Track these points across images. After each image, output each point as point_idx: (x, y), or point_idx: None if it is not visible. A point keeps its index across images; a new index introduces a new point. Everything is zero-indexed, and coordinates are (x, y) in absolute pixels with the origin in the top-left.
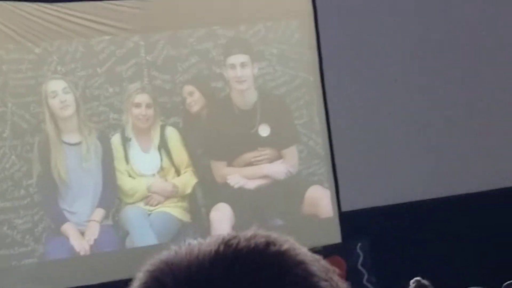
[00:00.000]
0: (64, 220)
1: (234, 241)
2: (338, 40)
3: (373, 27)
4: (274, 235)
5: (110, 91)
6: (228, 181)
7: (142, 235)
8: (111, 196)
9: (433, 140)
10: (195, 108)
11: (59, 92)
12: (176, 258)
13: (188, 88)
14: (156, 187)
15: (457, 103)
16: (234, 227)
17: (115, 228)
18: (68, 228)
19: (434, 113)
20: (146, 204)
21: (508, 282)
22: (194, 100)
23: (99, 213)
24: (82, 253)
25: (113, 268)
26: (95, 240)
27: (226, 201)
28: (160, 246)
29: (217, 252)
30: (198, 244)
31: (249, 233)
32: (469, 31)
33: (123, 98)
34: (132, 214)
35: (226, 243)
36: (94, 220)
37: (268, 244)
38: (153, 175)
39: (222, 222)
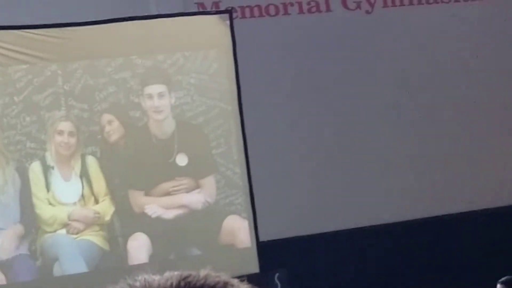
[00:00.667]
0: None
1: (193, 279)
2: (256, 70)
3: (291, 57)
4: (224, 276)
5: (27, 120)
6: (146, 211)
7: (72, 262)
8: (28, 226)
9: (348, 170)
10: (113, 137)
11: None
12: None
13: (107, 117)
14: (76, 215)
15: (368, 139)
16: (151, 257)
17: (31, 257)
18: None
19: (345, 144)
20: (67, 233)
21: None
22: (113, 129)
23: (15, 242)
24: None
25: None
26: (11, 270)
27: (144, 230)
28: (88, 274)
29: (177, 287)
30: (157, 279)
31: (202, 272)
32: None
33: (42, 126)
34: (58, 241)
35: (185, 279)
36: (8, 249)
37: (226, 283)
38: (74, 203)
39: (139, 251)
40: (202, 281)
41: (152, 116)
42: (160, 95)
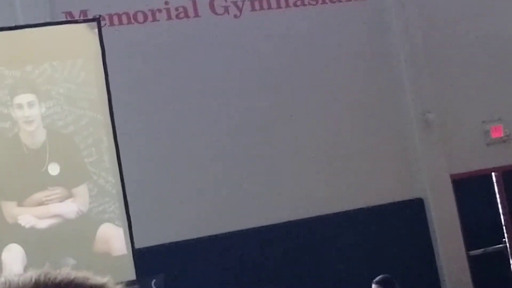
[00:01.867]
0: None
1: (52, 274)
2: (127, 77)
3: (161, 63)
4: (96, 277)
5: None
6: (19, 221)
7: None
8: None
9: (221, 175)
10: None
11: None
12: None
13: None
14: None
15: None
16: (26, 268)
17: None
18: None
19: (218, 153)
20: None
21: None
22: None
23: None
24: None
25: None
26: None
27: (18, 241)
28: None
29: (37, 281)
30: (17, 277)
31: (62, 271)
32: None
33: None
34: None
35: (46, 275)
36: None
37: (86, 278)
38: None
39: (14, 263)
40: (62, 276)
41: (23, 127)
42: (30, 104)
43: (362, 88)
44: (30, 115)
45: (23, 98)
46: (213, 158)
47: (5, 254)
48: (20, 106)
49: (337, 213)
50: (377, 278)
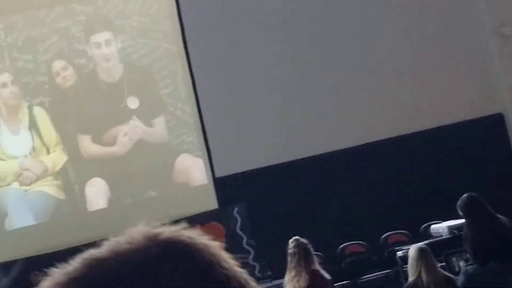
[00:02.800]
0: None
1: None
2: (200, 9)
3: None
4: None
5: None
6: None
7: (20, 216)
8: None
9: (299, 100)
10: (68, 83)
11: None
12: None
13: (60, 63)
14: (27, 165)
15: (321, 72)
16: (109, 201)
17: None
18: None
19: (296, 78)
20: (21, 184)
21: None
22: (68, 74)
23: None
24: None
25: None
26: None
27: (99, 175)
28: (41, 225)
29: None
30: (122, 243)
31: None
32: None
33: None
34: (8, 196)
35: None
36: None
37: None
38: (25, 156)
39: (97, 197)
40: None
41: (101, 64)
42: (107, 42)
43: (438, 6)
44: (108, 53)
45: (100, 37)
46: (291, 84)
47: (89, 188)
48: (97, 45)
49: (417, 132)
50: (463, 198)
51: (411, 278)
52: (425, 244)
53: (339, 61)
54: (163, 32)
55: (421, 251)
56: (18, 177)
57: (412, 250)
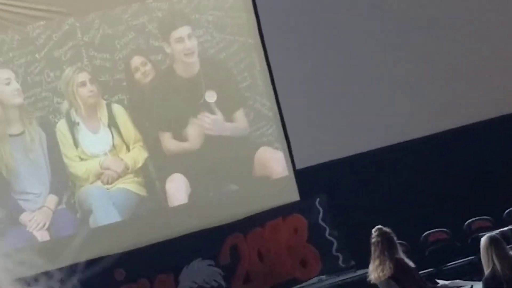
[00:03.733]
0: (20, 209)
1: None
2: (275, 0)
3: None
4: None
5: (51, 76)
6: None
7: (105, 213)
8: (62, 181)
9: (375, 89)
10: (148, 79)
11: (10, 81)
12: None
13: (139, 59)
14: (108, 163)
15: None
16: (190, 196)
17: (71, 211)
18: (25, 218)
19: (376, 67)
20: (102, 183)
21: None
22: (147, 70)
23: (52, 199)
24: (40, 239)
25: (79, 249)
26: (53, 225)
27: (179, 171)
28: (123, 222)
29: None
30: None
31: None
32: None
33: (62, 81)
34: (92, 193)
35: None
36: (47, 207)
37: None
38: (105, 154)
39: (178, 192)
40: None
41: (183, 59)
42: (189, 36)
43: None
44: (191, 47)
45: (182, 31)
46: (370, 72)
47: (169, 184)
48: (180, 40)
49: (498, 117)
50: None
51: (486, 270)
52: (510, 229)
53: (423, 48)
54: (238, 25)
55: (490, 240)
56: (99, 176)
57: (482, 240)
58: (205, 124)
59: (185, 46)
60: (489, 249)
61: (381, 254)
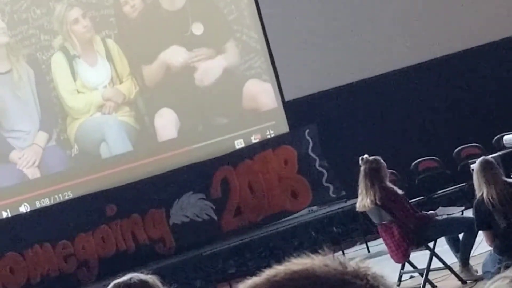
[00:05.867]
0: (10, 147)
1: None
2: None
3: None
4: None
5: (37, 13)
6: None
7: (120, 141)
8: (51, 118)
9: (366, 22)
10: (136, 13)
11: None
12: None
13: None
14: (109, 94)
15: None
16: (179, 131)
17: (62, 148)
18: (15, 155)
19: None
20: (103, 113)
21: None
22: (136, 3)
23: (42, 136)
24: (31, 177)
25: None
26: (43, 162)
27: (168, 105)
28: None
29: None
30: None
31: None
32: None
33: (53, 19)
34: (100, 123)
35: None
36: (37, 144)
37: None
38: (105, 86)
39: (167, 127)
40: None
41: None
42: None
43: None
44: None
45: None
46: (357, 4)
47: (158, 119)
48: None
49: (491, 42)
50: None
51: (478, 194)
52: (499, 155)
53: None
54: None
55: (481, 163)
56: (101, 108)
57: (476, 163)
58: (193, 58)
59: None
60: (481, 172)
61: (367, 182)
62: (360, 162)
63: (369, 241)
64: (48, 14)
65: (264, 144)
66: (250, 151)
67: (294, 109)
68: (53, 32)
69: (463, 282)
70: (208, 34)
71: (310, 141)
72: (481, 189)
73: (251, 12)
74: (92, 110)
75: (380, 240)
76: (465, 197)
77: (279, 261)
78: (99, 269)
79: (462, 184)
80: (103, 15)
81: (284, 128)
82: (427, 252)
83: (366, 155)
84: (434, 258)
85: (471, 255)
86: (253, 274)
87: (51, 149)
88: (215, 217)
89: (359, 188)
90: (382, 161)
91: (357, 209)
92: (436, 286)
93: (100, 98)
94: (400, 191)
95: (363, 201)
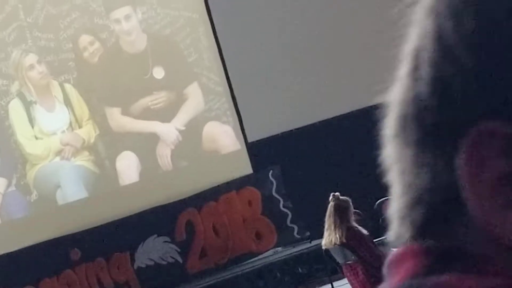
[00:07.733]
0: None
1: None
2: None
3: None
4: None
5: None
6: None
7: (75, 188)
8: (10, 164)
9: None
10: (96, 58)
11: None
12: None
13: (87, 38)
14: (67, 139)
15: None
16: (141, 174)
17: (22, 193)
18: None
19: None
20: (61, 158)
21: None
22: (96, 49)
23: (1, 182)
24: None
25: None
26: (3, 208)
27: (130, 148)
28: (89, 199)
29: None
30: None
31: None
32: None
33: (10, 64)
34: (57, 169)
35: None
36: None
37: None
38: (63, 131)
39: (128, 170)
40: None
41: (123, 38)
42: (127, 17)
43: None
44: (129, 28)
45: (119, 13)
46: (319, 45)
47: (119, 162)
48: (117, 21)
49: None
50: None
51: None
52: None
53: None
54: (183, 1)
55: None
56: (59, 152)
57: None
58: (152, 101)
59: (122, 28)
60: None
61: (336, 219)
62: (330, 198)
63: (334, 281)
64: (6, 59)
65: (228, 186)
66: (214, 192)
67: (257, 150)
68: (11, 77)
69: None
70: (170, 77)
71: (274, 182)
72: None
73: (211, 54)
74: (51, 156)
75: (345, 280)
76: None
77: None
78: None
79: None
80: (62, 59)
81: (247, 169)
82: None
83: (337, 193)
84: None
85: None
86: None
87: (11, 194)
88: (180, 260)
89: (326, 223)
90: (350, 201)
91: (323, 246)
92: None
93: (59, 143)
94: (365, 231)
95: (330, 237)
